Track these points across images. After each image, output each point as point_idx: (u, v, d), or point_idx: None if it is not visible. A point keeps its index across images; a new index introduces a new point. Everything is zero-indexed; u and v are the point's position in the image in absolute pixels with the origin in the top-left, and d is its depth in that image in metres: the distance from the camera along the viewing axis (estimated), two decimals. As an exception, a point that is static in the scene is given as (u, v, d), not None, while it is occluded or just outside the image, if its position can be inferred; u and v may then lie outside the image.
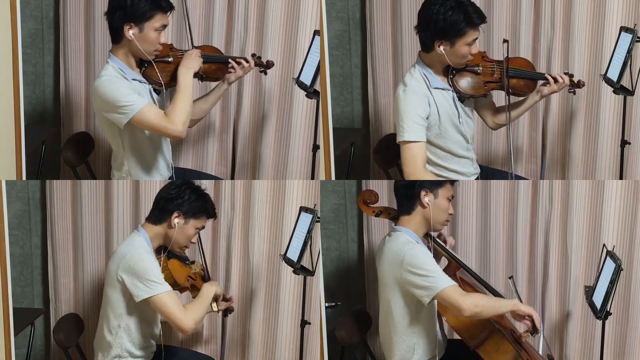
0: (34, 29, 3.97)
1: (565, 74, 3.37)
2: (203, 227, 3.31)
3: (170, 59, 3.30)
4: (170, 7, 3.23)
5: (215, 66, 3.40)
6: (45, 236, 3.92)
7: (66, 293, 3.90)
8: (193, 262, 3.41)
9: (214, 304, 3.34)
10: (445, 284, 3.03)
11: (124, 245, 3.22)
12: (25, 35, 3.89)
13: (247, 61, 3.40)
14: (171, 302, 3.13)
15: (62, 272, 3.89)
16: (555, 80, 3.33)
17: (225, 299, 3.49)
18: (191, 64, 3.26)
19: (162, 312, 3.15)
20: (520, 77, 3.32)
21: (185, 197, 3.23)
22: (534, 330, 3.09)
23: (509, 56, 3.29)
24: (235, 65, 3.39)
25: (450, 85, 3.27)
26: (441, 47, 3.16)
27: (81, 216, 3.85)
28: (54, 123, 4.02)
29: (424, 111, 3.19)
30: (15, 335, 3.63)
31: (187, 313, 3.15)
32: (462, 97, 3.30)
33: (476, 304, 3.02)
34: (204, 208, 3.27)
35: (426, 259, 3.08)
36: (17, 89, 3.64)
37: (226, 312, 3.61)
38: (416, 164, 3.18)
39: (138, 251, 3.16)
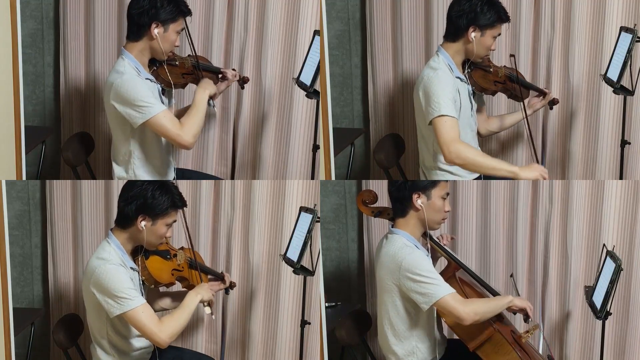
0: (34, 29, 3.97)
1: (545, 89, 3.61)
2: (174, 221, 3.18)
3: (176, 62, 3.43)
4: (190, 13, 3.38)
5: (209, 74, 3.52)
6: (45, 236, 3.92)
7: (66, 293, 3.90)
8: (176, 255, 3.26)
9: (207, 308, 3.20)
10: (444, 292, 3.03)
11: (94, 259, 3.11)
12: (25, 35, 3.89)
13: (233, 70, 3.57)
14: (144, 317, 3.03)
15: (62, 272, 3.90)
16: (545, 94, 3.57)
17: (222, 279, 3.39)
18: (208, 87, 3.39)
19: (136, 327, 3.07)
20: (523, 86, 3.52)
21: (147, 195, 3.09)
22: (526, 317, 3.20)
23: (515, 67, 3.52)
24: (227, 72, 3.53)
25: (467, 79, 3.39)
26: (473, 34, 3.30)
27: (81, 216, 3.85)
28: (54, 123, 4.03)
29: (455, 94, 3.29)
30: (15, 335, 3.63)
31: (162, 327, 3.04)
32: (474, 93, 3.44)
33: (476, 312, 3.03)
34: (171, 203, 3.12)
35: (425, 265, 3.07)
36: (17, 89, 3.64)
37: (227, 289, 3.46)
38: (452, 136, 3.21)
39: (106, 267, 3.05)
